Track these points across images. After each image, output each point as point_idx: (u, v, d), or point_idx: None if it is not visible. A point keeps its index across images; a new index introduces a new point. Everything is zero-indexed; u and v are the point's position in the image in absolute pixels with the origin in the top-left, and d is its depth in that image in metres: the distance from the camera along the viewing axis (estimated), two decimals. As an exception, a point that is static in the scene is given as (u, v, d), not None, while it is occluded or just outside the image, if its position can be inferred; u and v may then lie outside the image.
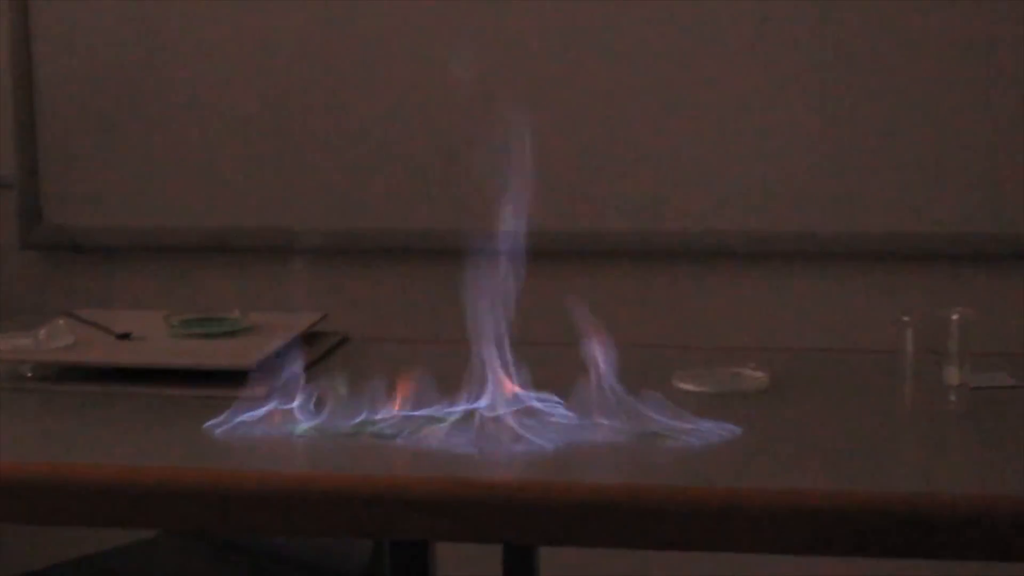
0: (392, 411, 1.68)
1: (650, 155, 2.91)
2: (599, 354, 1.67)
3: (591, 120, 2.93)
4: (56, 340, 1.97)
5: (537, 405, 1.67)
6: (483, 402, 1.66)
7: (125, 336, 2.02)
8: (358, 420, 1.67)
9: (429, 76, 2.96)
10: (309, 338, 2.02)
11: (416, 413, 1.67)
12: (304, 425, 1.67)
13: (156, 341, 2.01)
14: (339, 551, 2.26)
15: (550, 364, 1.70)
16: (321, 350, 2.02)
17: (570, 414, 1.66)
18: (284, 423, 1.68)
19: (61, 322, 2.03)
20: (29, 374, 1.93)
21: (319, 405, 1.69)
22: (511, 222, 1.67)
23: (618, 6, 2.90)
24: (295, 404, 1.69)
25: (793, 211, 2.88)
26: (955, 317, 1.85)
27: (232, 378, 1.80)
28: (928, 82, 2.82)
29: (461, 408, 1.67)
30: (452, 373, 1.69)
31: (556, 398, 1.68)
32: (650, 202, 2.92)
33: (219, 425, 1.68)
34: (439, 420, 1.66)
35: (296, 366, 1.73)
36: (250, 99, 3.04)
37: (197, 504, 1.56)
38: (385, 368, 1.72)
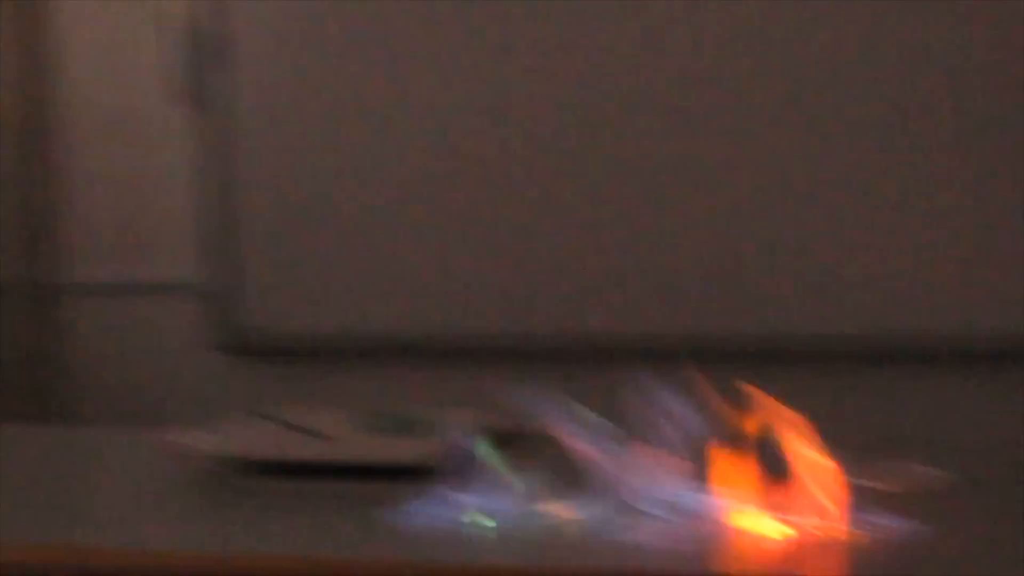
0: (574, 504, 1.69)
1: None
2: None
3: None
4: (257, 438, 2.02)
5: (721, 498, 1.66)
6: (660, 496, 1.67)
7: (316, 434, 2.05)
8: (533, 513, 1.68)
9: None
10: (511, 439, 2.02)
11: (598, 507, 1.68)
12: (480, 516, 1.69)
13: (347, 438, 2.04)
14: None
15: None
16: (514, 449, 2.03)
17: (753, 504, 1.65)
18: (463, 515, 1.70)
19: (261, 421, 2.07)
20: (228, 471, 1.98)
21: (513, 498, 1.71)
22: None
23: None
24: (476, 497, 1.70)
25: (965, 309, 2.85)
26: None
27: (416, 474, 1.82)
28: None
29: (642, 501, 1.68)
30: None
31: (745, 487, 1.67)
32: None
33: (401, 518, 1.70)
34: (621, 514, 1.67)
35: (479, 462, 1.75)
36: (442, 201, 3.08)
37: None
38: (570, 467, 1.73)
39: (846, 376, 2.93)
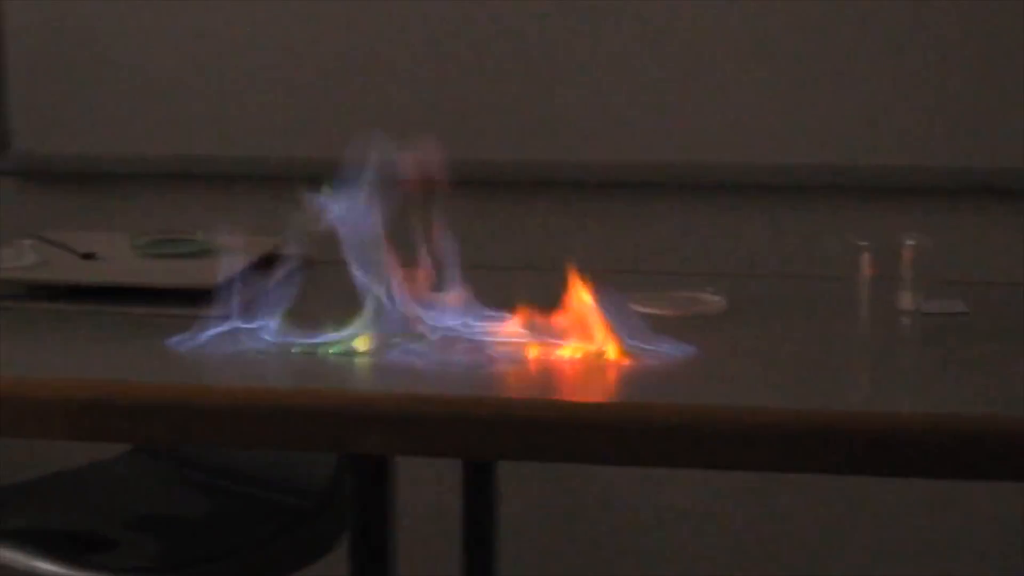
0: (352, 329, 1.70)
1: (606, 85, 2.92)
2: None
3: (546, 49, 2.93)
4: (21, 260, 1.99)
5: (492, 321, 1.69)
6: (439, 317, 1.70)
7: (90, 256, 2.03)
8: (318, 338, 1.70)
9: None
10: (274, 260, 2.03)
11: (375, 331, 1.70)
12: (265, 343, 1.70)
13: (121, 261, 2.03)
14: (302, 468, 2.29)
15: (512, 287, 1.73)
16: (284, 271, 2.04)
17: (524, 330, 1.69)
18: (245, 341, 1.70)
19: (27, 243, 2.04)
20: (-5, 293, 1.95)
21: (280, 323, 1.72)
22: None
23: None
24: (256, 323, 1.71)
25: (749, 142, 2.89)
26: (910, 243, 1.88)
27: (196, 298, 1.82)
28: (886, 13, 2.84)
29: (418, 325, 1.70)
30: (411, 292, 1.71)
31: (509, 314, 1.70)
32: (607, 132, 2.93)
33: (182, 342, 1.71)
34: (397, 336, 1.69)
35: (258, 286, 1.75)
36: (216, 24, 3.04)
37: (160, 419, 1.59)
38: (346, 289, 1.74)
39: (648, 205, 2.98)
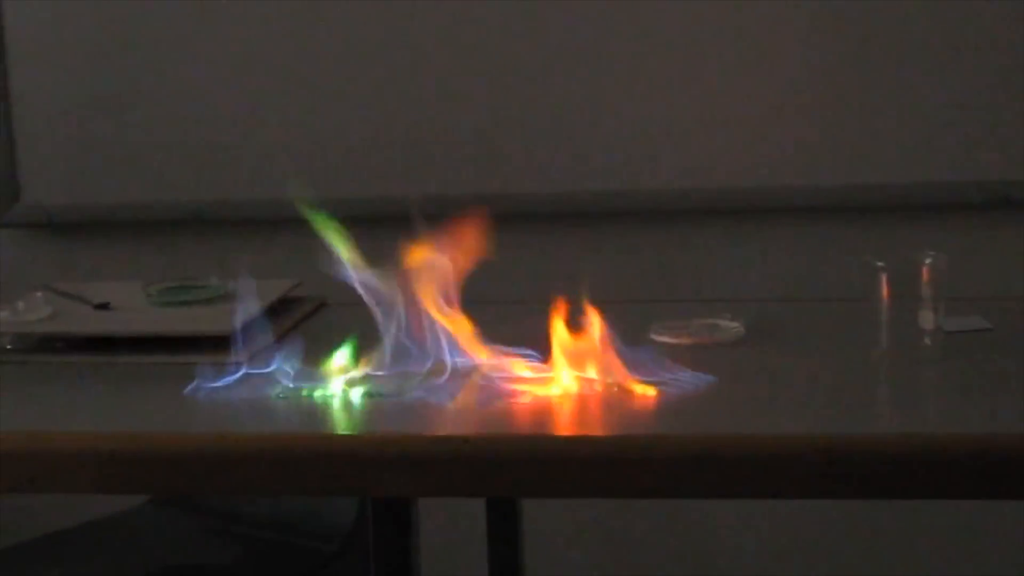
0: (366, 371, 1.69)
1: (622, 115, 2.92)
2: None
3: (565, 80, 2.93)
4: (34, 312, 1.98)
5: (514, 359, 1.68)
6: (458, 357, 1.68)
7: (104, 306, 2.02)
8: (334, 381, 1.69)
9: (399, 48, 2.96)
10: (289, 304, 2.03)
11: (390, 372, 1.69)
12: (282, 388, 1.69)
13: (135, 311, 2.02)
14: (324, 511, 2.28)
15: (530, 321, 1.71)
16: (299, 315, 2.03)
17: (546, 366, 1.67)
18: (262, 386, 1.69)
19: (39, 295, 2.04)
20: (8, 346, 1.93)
21: (296, 367, 1.71)
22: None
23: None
24: (272, 367, 1.70)
25: (763, 165, 2.88)
26: (928, 262, 1.86)
27: (211, 345, 1.81)
28: (896, 31, 2.83)
29: (436, 364, 1.69)
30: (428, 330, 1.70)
31: (532, 351, 1.69)
32: (623, 162, 2.93)
33: (199, 390, 1.70)
34: (414, 377, 1.68)
35: (272, 331, 1.75)
36: (222, 73, 3.04)
37: (180, 468, 1.57)
38: (361, 331, 1.73)
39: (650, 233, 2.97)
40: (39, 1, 3.08)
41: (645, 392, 1.64)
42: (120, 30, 3.06)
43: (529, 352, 1.69)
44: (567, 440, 1.54)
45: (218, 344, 1.79)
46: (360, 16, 2.97)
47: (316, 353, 1.72)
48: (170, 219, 3.10)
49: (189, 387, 1.70)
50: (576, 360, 1.67)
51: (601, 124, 2.93)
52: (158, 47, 3.05)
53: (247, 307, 1.83)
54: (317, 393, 1.68)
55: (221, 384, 1.70)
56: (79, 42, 3.09)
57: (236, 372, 1.70)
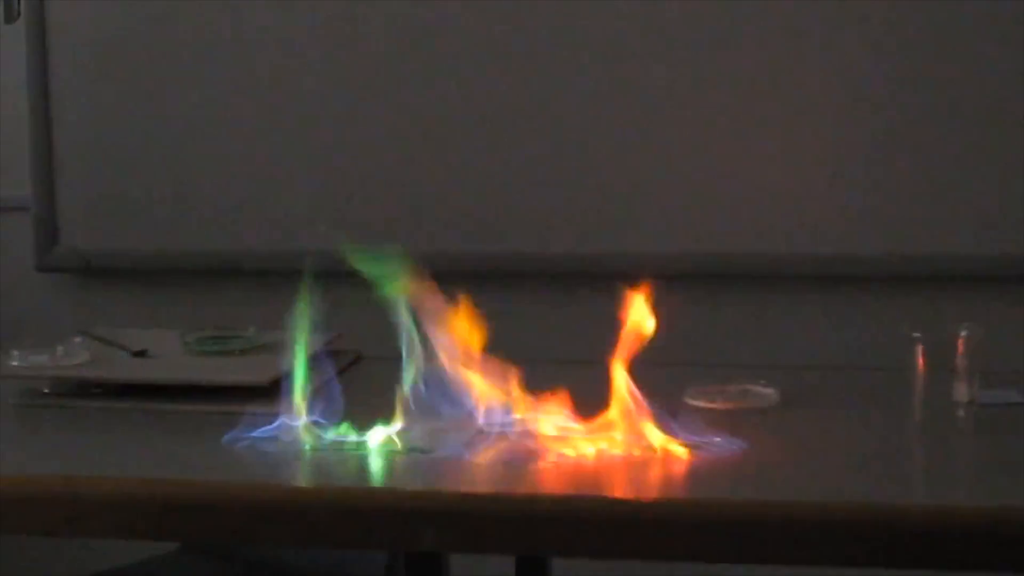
0: (401, 425, 1.70)
1: (661, 178, 2.93)
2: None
3: (600, 142, 2.95)
4: (73, 357, 1.99)
5: (549, 416, 1.69)
6: (490, 413, 1.69)
7: (142, 353, 2.04)
8: (369, 435, 1.69)
9: (439, 98, 2.98)
10: (326, 356, 2.03)
11: (424, 427, 1.70)
12: (318, 439, 1.69)
13: (172, 358, 2.03)
14: (353, 562, 2.27)
15: (564, 379, 1.72)
16: (336, 368, 2.04)
17: (575, 425, 1.68)
18: (298, 438, 1.70)
19: (77, 340, 2.05)
20: (46, 390, 1.95)
21: (332, 420, 1.71)
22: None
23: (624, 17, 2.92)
24: (310, 419, 1.71)
25: (801, 233, 2.89)
26: (964, 334, 1.86)
27: (247, 394, 1.82)
28: (935, 103, 2.84)
29: (470, 420, 1.69)
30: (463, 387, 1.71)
31: (560, 408, 1.69)
32: (662, 224, 2.94)
33: (235, 440, 1.70)
34: (448, 433, 1.68)
35: (310, 382, 1.76)
36: (260, 125, 3.06)
37: (214, 517, 1.58)
38: (396, 385, 1.74)
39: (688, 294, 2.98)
40: (83, 47, 3.11)
41: (677, 455, 1.64)
42: (163, 81, 3.09)
43: (564, 410, 1.70)
44: (597, 501, 1.54)
45: (254, 394, 1.80)
46: (387, 84, 3.00)
47: (352, 405, 1.73)
48: (207, 267, 3.12)
49: (227, 436, 1.71)
50: (611, 421, 1.68)
51: (641, 187, 2.94)
52: (200, 97, 3.08)
53: (284, 358, 1.84)
54: (352, 446, 1.69)
55: (258, 434, 1.70)
56: (121, 91, 3.12)
57: (273, 423, 1.71)
